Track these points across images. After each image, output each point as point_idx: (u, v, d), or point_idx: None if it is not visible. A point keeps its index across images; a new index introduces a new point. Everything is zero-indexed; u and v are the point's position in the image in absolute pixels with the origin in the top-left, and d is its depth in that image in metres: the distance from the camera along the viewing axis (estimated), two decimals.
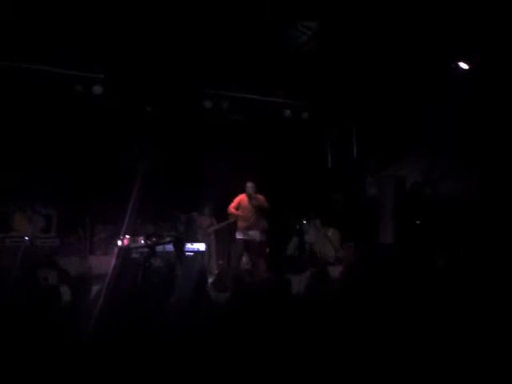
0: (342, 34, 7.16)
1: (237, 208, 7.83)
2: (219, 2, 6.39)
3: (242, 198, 7.81)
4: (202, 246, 8.57)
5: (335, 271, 5.81)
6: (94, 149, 8.50)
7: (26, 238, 7.22)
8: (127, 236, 7.57)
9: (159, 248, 7.68)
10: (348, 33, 7.12)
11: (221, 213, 8.90)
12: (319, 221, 9.51)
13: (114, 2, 6.27)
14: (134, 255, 7.46)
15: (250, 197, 7.70)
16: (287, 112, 9.20)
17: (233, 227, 9.12)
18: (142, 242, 7.78)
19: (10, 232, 7.38)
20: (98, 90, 7.82)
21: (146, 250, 7.14)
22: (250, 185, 7.76)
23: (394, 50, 7.24)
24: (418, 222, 7.87)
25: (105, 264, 7.23)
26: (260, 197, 7.75)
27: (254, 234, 7.89)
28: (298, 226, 9.56)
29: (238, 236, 7.91)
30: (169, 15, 6.62)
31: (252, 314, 3.16)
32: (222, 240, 9.37)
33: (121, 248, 6.56)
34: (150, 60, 7.42)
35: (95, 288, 3.67)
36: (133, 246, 7.07)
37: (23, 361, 2.39)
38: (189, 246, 8.46)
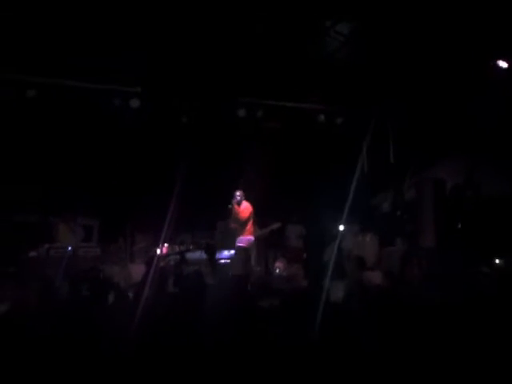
0: (375, 37, 7.08)
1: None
2: (251, 12, 6.44)
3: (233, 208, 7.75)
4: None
5: (374, 277, 5.71)
6: (133, 160, 8.71)
7: (69, 248, 7.46)
8: (166, 244, 7.70)
9: (193, 255, 7.81)
10: (382, 35, 7.03)
11: (261, 219, 8.94)
12: (357, 226, 9.37)
13: (148, 17, 6.42)
14: (168, 263, 7.59)
15: (231, 209, 7.62)
16: (321, 117, 9.14)
17: (272, 233, 9.15)
18: (178, 248, 7.92)
19: (54, 243, 7.63)
20: (135, 103, 8.02)
21: (178, 257, 7.31)
22: (237, 193, 7.69)
23: (431, 50, 7.09)
24: (459, 225, 7.64)
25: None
26: (243, 206, 7.67)
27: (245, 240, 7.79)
28: (339, 232, 9.44)
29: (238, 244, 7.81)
30: (202, 27, 6.73)
31: (290, 321, 3.15)
32: (260, 246, 9.38)
33: (151, 256, 6.69)
34: (184, 71, 7.54)
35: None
36: (166, 253, 7.20)
37: (67, 367, 2.45)
38: (225, 253, 8.51)
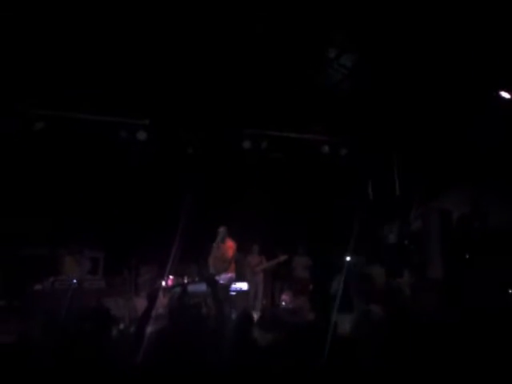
0: (379, 68, 7.19)
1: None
2: (254, 44, 6.58)
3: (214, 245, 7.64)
4: (244, 286, 8.53)
5: (382, 310, 5.61)
6: (139, 192, 8.77)
7: (74, 280, 7.42)
8: (171, 276, 7.65)
9: (197, 287, 7.72)
10: (386, 67, 7.14)
11: (266, 251, 8.90)
12: (363, 258, 9.28)
13: (153, 51, 6.57)
14: (173, 295, 7.50)
15: (220, 242, 7.53)
16: (325, 148, 9.20)
17: (279, 265, 9.09)
18: (186, 281, 7.83)
19: (60, 275, 7.60)
20: (141, 135, 8.13)
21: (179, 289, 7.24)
22: (221, 230, 7.59)
23: (433, 81, 7.18)
24: (467, 256, 7.55)
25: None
26: (227, 244, 7.58)
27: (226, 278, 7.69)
28: (341, 264, 9.34)
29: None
30: (208, 60, 6.88)
31: (296, 356, 3.08)
32: (267, 279, 9.31)
33: (155, 289, 6.65)
34: (190, 103, 7.67)
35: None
36: (172, 285, 7.14)
37: None
38: (233, 285, 8.43)
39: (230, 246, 7.52)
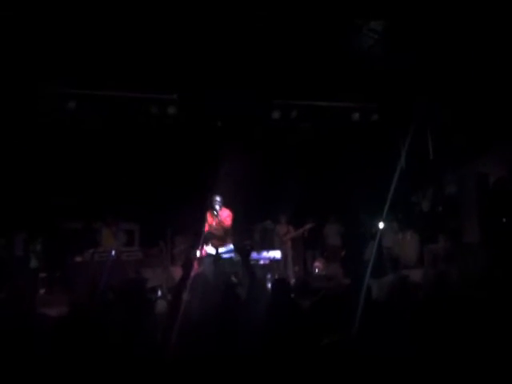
0: (410, 32, 6.95)
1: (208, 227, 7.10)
2: (284, 13, 6.45)
3: (208, 214, 7.07)
4: (277, 254, 8.64)
5: (416, 276, 5.61)
6: (172, 165, 8.90)
7: (113, 252, 7.67)
8: (205, 246, 7.79)
9: (227, 255, 7.86)
10: (417, 30, 6.89)
11: (297, 220, 8.95)
12: (396, 224, 9.22)
13: (184, 25, 6.53)
14: (206, 264, 7.67)
15: (215, 212, 6.95)
16: (356, 115, 9.03)
17: (309, 234, 9.14)
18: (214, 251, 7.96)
19: (98, 247, 7.87)
20: (172, 110, 8.18)
21: (214, 258, 7.35)
22: (215, 199, 6.97)
23: (470, 40, 6.91)
24: (504, 219, 7.39)
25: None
26: (224, 214, 7.00)
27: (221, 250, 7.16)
28: (378, 231, 9.30)
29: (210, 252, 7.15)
30: (237, 32, 6.81)
31: (332, 320, 3.13)
32: (298, 247, 9.39)
33: (189, 259, 6.76)
34: (219, 76, 7.63)
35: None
36: (205, 255, 7.24)
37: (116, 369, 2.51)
38: (264, 254, 8.56)
39: (227, 215, 7.03)
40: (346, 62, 7.60)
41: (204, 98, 8.26)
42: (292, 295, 3.83)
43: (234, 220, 8.75)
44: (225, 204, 7.03)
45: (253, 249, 7.69)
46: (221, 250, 7.12)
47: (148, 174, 8.99)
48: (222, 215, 6.97)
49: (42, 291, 7.70)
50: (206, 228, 7.04)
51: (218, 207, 6.94)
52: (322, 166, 9.67)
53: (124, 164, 8.88)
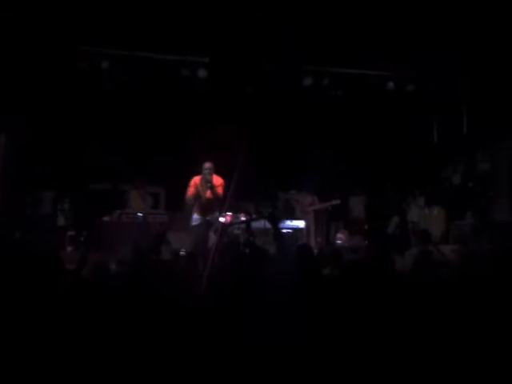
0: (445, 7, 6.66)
1: (195, 193, 6.58)
2: None
3: (196, 182, 6.57)
4: (301, 224, 8.65)
5: (442, 251, 5.53)
6: (198, 130, 8.89)
7: (140, 214, 7.81)
8: (229, 213, 7.84)
9: (256, 224, 7.90)
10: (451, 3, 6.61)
11: (323, 191, 8.90)
12: (423, 199, 9.08)
13: None
14: (235, 231, 7.74)
15: (207, 182, 6.43)
16: (390, 85, 8.77)
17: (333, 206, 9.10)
18: (243, 218, 8.03)
19: (125, 209, 8.02)
20: (202, 73, 8.11)
21: (243, 226, 7.39)
22: (207, 166, 6.46)
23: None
24: None
25: (209, 239, 7.63)
26: (217, 182, 6.48)
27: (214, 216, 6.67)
28: (403, 205, 9.19)
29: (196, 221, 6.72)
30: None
31: (357, 290, 3.13)
32: (321, 218, 9.37)
33: (222, 225, 6.77)
34: (249, 41, 7.51)
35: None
36: (230, 222, 7.28)
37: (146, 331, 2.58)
38: (288, 223, 8.59)
39: (220, 183, 6.49)
40: (381, 28, 7.34)
41: (235, 62, 8.14)
42: (314, 263, 3.84)
43: (259, 188, 8.78)
44: (216, 172, 6.54)
45: (281, 217, 7.67)
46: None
47: (176, 137, 9.02)
48: (215, 184, 6.42)
49: (69, 249, 7.92)
50: (191, 196, 6.57)
51: (209, 176, 6.40)
52: (351, 136, 9.51)
53: (151, 126, 8.91)
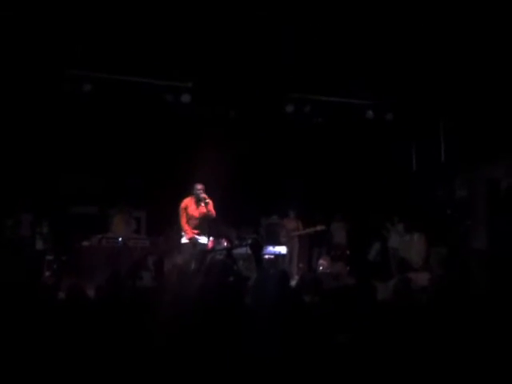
0: (424, 35, 6.90)
1: (186, 217, 6.72)
2: (300, 11, 6.42)
3: (187, 203, 6.70)
4: (283, 249, 8.64)
5: (422, 278, 5.58)
6: (183, 155, 8.93)
7: (120, 238, 7.71)
8: (211, 238, 7.80)
9: (241, 250, 7.86)
10: (430, 34, 6.85)
11: (304, 216, 8.94)
12: (402, 225, 9.18)
13: (200, 16, 6.52)
14: (217, 257, 7.69)
15: (200, 201, 6.60)
16: (370, 113, 8.98)
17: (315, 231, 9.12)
18: (225, 243, 7.99)
19: (107, 233, 7.91)
20: (186, 98, 8.19)
21: (224, 252, 7.35)
22: (200, 187, 6.66)
23: (483, 44, 6.84)
24: None
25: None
26: (210, 203, 6.64)
27: (203, 240, 6.85)
28: (384, 231, 9.27)
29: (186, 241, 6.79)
30: (249, 25, 6.78)
31: (338, 318, 3.13)
32: (303, 243, 9.38)
33: (201, 251, 6.77)
34: (234, 67, 7.61)
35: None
36: (212, 248, 7.25)
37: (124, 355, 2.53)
38: (270, 249, 8.57)
39: (211, 204, 6.67)
40: (361, 59, 7.54)
41: (218, 87, 8.24)
42: (293, 288, 3.84)
43: (241, 213, 8.78)
44: (207, 193, 6.71)
45: (263, 244, 7.65)
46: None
47: (158, 161, 9.02)
48: (210, 205, 6.61)
49: (47, 274, 7.75)
50: (184, 219, 6.68)
51: (204, 196, 6.58)
52: (332, 162, 9.64)
53: (134, 150, 8.91)
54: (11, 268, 5.91)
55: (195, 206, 6.65)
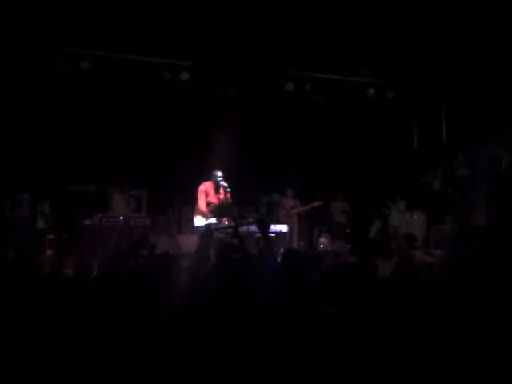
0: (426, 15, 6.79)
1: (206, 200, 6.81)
2: None
3: (207, 188, 6.83)
4: (284, 228, 8.64)
5: (424, 256, 5.60)
6: (181, 134, 8.87)
7: (121, 217, 7.72)
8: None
9: (243, 229, 7.88)
10: (432, 13, 6.73)
11: (304, 194, 8.93)
12: (404, 203, 9.20)
13: None
14: (220, 235, 7.71)
15: (221, 189, 6.75)
16: (371, 91, 8.89)
17: (315, 210, 9.12)
18: (226, 222, 7.99)
19: (107, 212, 7.92)
20: (184, 76, 8.08)
21: (229, 230, 7.36)
22: (220, 174, 6.78)
23: (484, 23, 6.74)
24: None
25: (192, 243, 7.58)
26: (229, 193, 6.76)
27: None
28: (385, 209, 9.28)
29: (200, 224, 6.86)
30: (250, 2, 6.67)
31: (340, 295, 3.14)
32: (304, 222, 9.40)
33: (206, 228, 6.77)
34: (233, 45, 7.51)
35: (184, 265, 3.85)
36: (218, 226, 7.24)
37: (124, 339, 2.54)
38: (271, 227, 8.57)
39: (229, 192, 6.81)
40: (364, 36, 7.43)
41: (218, 65, 8.14)
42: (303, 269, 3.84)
43: (241, 192, 8.75)
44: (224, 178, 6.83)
45: (268, 222, 7.67)
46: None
47: (158, 140, 8.97)
48: (223, 191, 6.73)
49: (49, 252, 7.79)
50: (204, 203, 6.79)
51: (224, 183, 6.73)
52: (332, 141, 9.60)
53: (134, 129, 8.85)
54: (10, 247, 5.92)
55: (214, 192, 6.78)
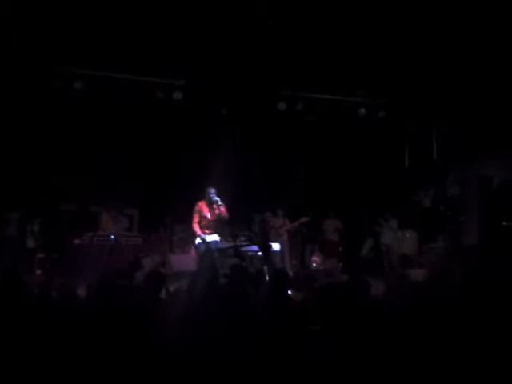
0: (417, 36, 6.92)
1: (199, 218, 6.92)
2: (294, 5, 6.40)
3: (201, 206, 6.92)
4: (276, 246, 8.62)
5: (415, 274, 5.60)
6: (173, 152, 8.87)
7: (112, 236, 7.65)
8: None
9: (228, 245, 7.83)
10: (424, 33, 6.87)
11: (295, 214, 8.93)
12: (396, 222, 9.22)
13: (192, 13, 6.48)
14: (215, 254, 7.64)
15: (213, 204, 6.81)
16: (362, 111, 8.98)
17: (307, 226, 9.11)
18: (226, 242, 7.90)
19: (98, 231, 7.85)
20: (177, 95, 8.13)
21: (231, 250, 7.33)
22: (212, 190, 6.85)
23: (477, 44, 6.87)
24: (504, 223, 7.40)
25: (184, 262, 7.53)
26: (223, 205, 6.83)
27: (213, 238, 7.01)
28: (377, 228, 9.29)
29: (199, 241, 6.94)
30: (243, 22, 6.75)
31: (331, 315, 3.12)
32: (296, 240, 9.38)
33: (206, 249, 6.78)
34: (226, 64, 7.58)
35: (176, 284, 3.81)
36: (220, 246, 7.20)
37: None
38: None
39: (223, 206, 6.88)
40: (356, 57, 7.54)
41: (210, 85, 8.20)
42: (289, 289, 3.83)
43: (234, 210, 8.72)
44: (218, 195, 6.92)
45: (271, 245, 7.65)
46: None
47: (151, 159, 8.97)
48: (222, 207, 6.84)
49: (38, 272, 7.68)
50: (196, 217, 6.92)
51: (217, 199, 6.82)
52: (325, 159, 9.65)
53: (127, 148, 8.84)
54: None
55: (208, 209, 6.92)
